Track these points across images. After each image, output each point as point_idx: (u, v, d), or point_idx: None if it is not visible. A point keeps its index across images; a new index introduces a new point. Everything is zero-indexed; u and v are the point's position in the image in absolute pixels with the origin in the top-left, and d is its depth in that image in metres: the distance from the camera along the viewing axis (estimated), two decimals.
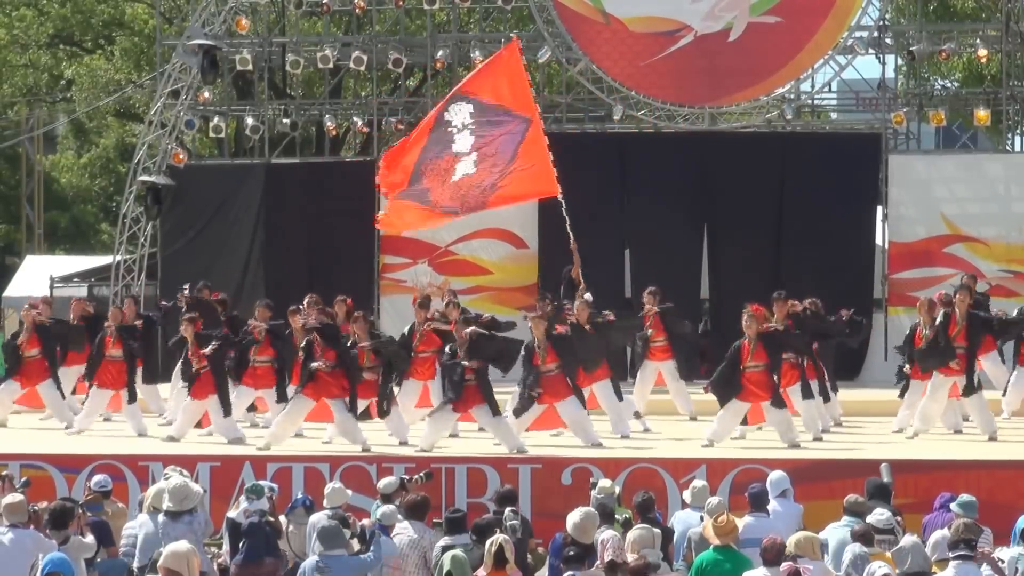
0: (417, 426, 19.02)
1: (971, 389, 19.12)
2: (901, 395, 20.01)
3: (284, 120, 29.99)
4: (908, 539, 11.94)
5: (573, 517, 12.64)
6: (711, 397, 18.91)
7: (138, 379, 21.13)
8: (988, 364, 20.53)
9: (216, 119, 29.33)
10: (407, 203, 21.70)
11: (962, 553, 11.35)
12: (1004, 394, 20.83)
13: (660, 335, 21.21)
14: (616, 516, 13.64)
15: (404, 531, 13.72)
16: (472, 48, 28.38)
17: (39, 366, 21.53)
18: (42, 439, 19.86)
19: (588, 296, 20.17)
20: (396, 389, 19.51)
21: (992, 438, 18.93)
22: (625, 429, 19.59)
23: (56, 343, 21.86)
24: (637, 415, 21.00)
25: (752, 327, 18.53)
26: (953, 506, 13.42)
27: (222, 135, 30.19)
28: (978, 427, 19.24)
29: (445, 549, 12.74)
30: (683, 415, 21.31)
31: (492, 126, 21.29)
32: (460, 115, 21.46)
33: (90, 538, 13.04)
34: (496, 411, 18.21)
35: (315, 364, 18.28)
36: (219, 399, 19.32)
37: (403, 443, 18.72)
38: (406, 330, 20.23)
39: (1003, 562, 11.87)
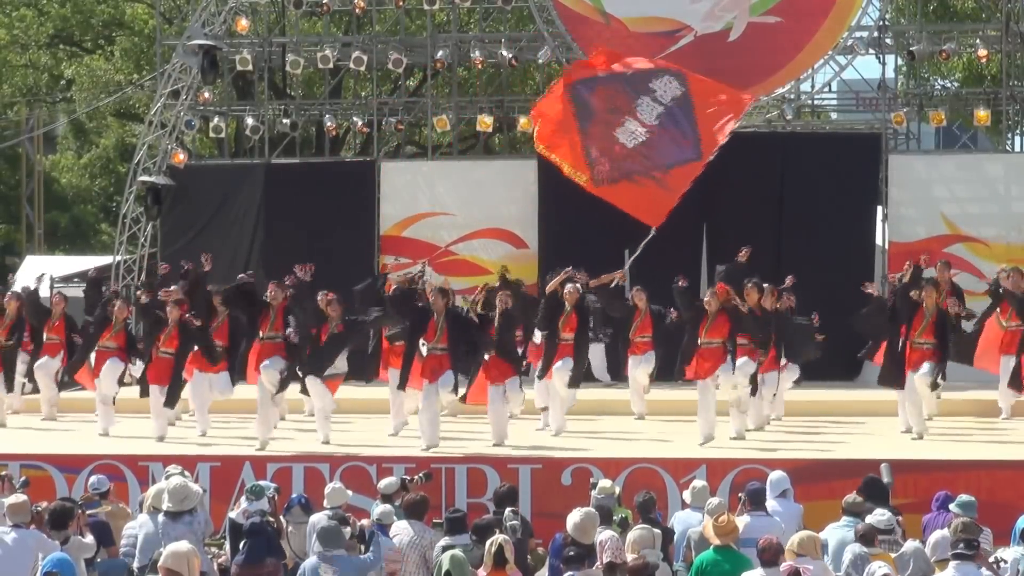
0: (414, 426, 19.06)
1: (936, 384, 19.08)
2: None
3: (284, 120, 30.01)
4: (910, 544, 11.95)
5: (573, 517, 12.64)
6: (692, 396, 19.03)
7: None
8: None
9: (216, 119, 29.34)
10: (568, 102, 21.27)
11: (962, 552, 11.35)
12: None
13: (646, 332, 21.18)
14: (613, 516, 13.65)
15: (403, 531, 13.72)
16: (472, 48, 28.39)
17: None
18: (42, 439, 19.87)
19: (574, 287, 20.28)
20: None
21: (920, 437, 18.93)
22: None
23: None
24: (640, 417, 21.06)
25: (713, 304, 18.75)
26: (953, 506, 13.43)
27: (222, 135, 30.19)
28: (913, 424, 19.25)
29: (445, 549, 12.74)
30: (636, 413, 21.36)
31: (677, 128, 21.02)
32: (666, 90, 21.15)
33: (90, 538, 13.04)
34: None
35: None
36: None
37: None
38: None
39: (1005, 563, 11.86)
